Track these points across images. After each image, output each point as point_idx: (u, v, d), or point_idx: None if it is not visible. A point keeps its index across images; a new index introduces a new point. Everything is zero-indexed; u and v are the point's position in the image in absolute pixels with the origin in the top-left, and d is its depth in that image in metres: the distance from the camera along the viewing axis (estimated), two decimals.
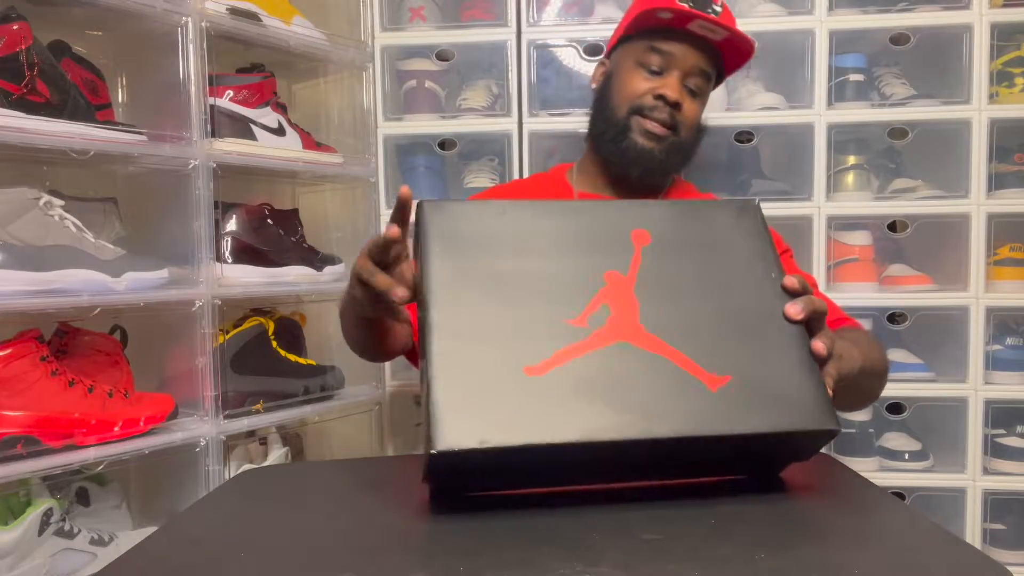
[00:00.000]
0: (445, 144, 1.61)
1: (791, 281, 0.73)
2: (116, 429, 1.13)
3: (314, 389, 1.45)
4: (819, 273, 1.51)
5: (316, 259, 1.46)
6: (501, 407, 0.63)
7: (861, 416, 1.55)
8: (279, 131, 1.41)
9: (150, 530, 1.08)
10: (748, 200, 0.79)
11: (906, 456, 1.51)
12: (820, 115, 1.51)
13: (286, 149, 1.41)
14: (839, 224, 1.53)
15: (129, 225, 1.27)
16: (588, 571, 0.55)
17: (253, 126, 1.36)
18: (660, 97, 1.15)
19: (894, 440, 1.54)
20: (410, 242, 0.76)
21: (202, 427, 1.25)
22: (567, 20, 1.59)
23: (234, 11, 1.33)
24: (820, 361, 0.70)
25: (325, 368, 1.49)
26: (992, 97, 1.49)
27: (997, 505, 1.48)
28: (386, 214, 1.61)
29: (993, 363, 1.49)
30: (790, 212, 1.52)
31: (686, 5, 1.11)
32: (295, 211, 1.49)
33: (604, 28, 1.55)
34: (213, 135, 1.29)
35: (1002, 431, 1.49)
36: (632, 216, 0.74)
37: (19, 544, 1.03)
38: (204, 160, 1.26)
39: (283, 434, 1.46)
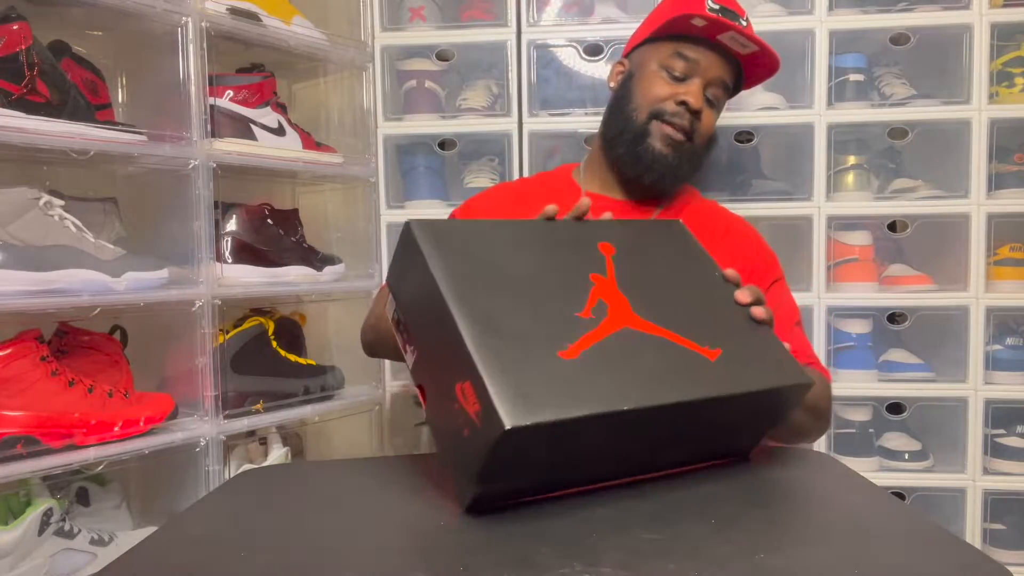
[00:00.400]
0: (445, 144, 1.61)
1: (732, 273, 0.86)
2: (116, 429, 1.13)
3: (314, 389, 1.45)
4: (819, 273, 1.51)
5: (316, 259, 1.46)
6: (551, 387, 0.65)
7: (861, 416, 1.55)
8: (279, 131, 1.41)
9: (150, 530, 1.09)
10: (674, 220, 0.94)
11: (906, 456, 1.51)
12: (820, 115, 1.51)
13: (286, 149, 1.41)
14: (839, 224, 1.53)
15: (129, 225, 1.27)
16: (588, 571, 0.55)
17: (253, 126, 1.36)
18: (682, 103, 1.14)
19: (894, 440, 1.54)
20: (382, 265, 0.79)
21: (202, 427, 1.25)
22: (567, 20, 1.58)
23: (234, 11, 1.33)
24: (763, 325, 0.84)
25: (325, 368, 1.49)
26: (992, 97, 1.49)
27: (997, 505, 1.48)
28: (386, 214, 1.61)
29: (993, 363, 1.49)
30: (790, 212, 1.52)
31: (720, 16, 1.10)
32: (295, 211, 1.49)
33: (604, 28, 1.55)
34: (213, 135, 1.29)
35: (1002, 431, 1.49)
36: (595, 232, 0.84)
37: (19, 544, 1.03)
38: (204, 160, 1.26)
39: (283, 434, 1.46)
